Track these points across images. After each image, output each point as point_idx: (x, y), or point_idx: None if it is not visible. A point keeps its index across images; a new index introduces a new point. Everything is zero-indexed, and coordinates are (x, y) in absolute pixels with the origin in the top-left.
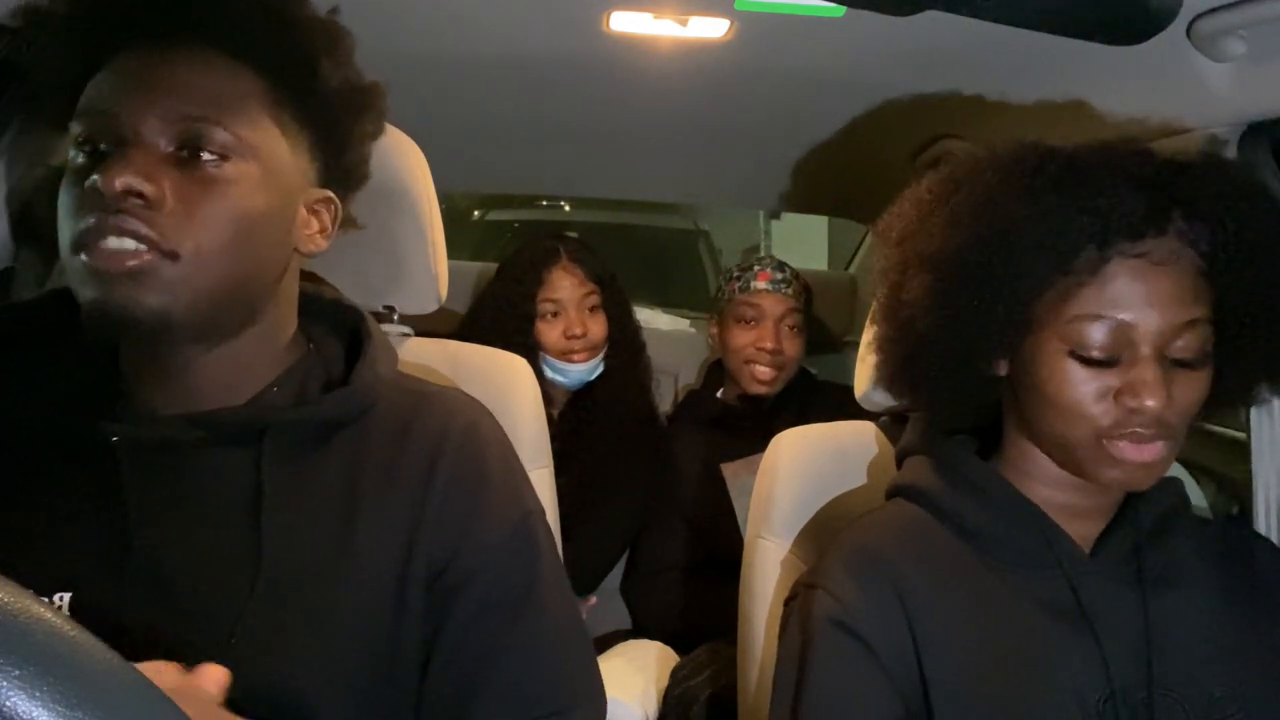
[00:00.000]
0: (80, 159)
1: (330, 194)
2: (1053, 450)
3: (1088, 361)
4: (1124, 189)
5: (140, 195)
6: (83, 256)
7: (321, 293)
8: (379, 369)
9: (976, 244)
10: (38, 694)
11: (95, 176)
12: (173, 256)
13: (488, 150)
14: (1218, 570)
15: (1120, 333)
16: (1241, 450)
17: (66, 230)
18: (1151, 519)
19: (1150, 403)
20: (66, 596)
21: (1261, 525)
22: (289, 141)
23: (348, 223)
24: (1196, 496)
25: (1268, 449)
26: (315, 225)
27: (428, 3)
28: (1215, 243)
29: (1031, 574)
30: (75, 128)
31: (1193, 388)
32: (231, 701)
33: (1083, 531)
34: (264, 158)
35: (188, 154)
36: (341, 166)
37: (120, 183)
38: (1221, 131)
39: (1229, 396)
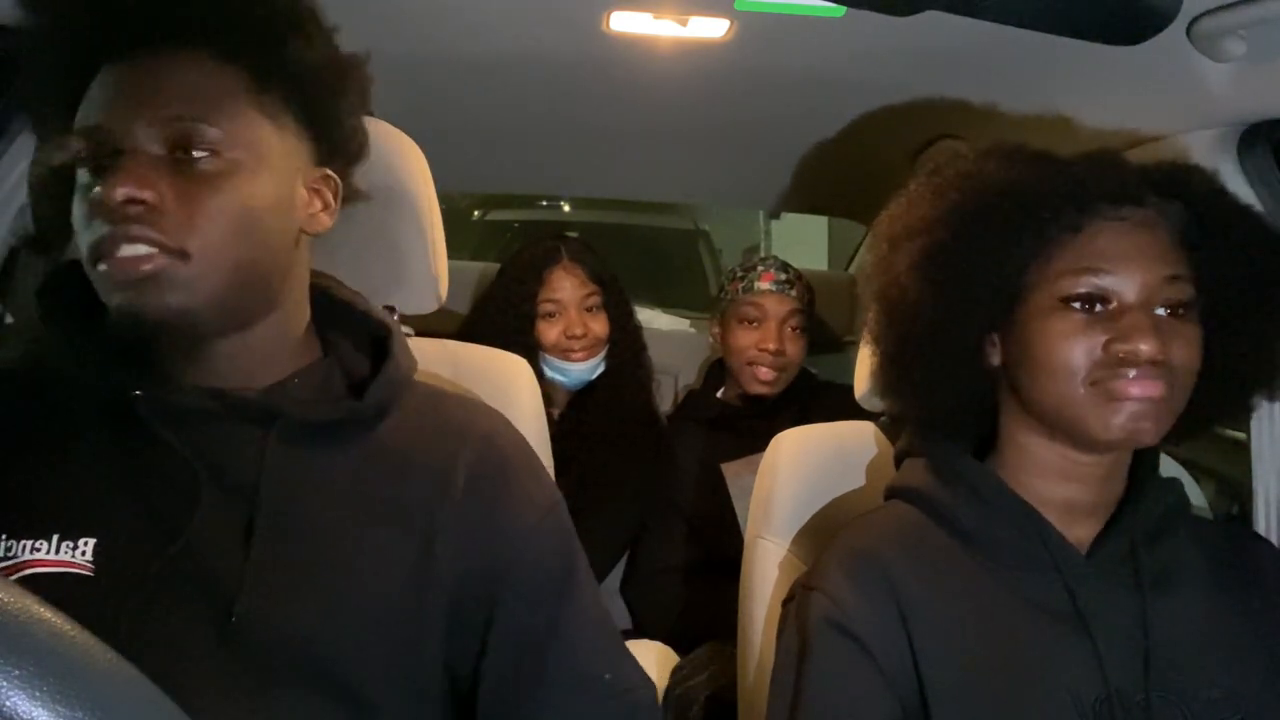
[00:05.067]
0: (86, 176)
1: (328, 171)
2: (1056, 421)
3: (1077, 313)
4: (1098, 164)
5: (141, 202)
6: (102, 266)
7: (354, 303)
8: (403, 374)
9: (958, 212)
10: (38, 694)
11: (97, 190)
12: (183, 256)
13: (488, 150)
14: (1217, 571)
15: (1106, 285)
16: (1241, 450)
17: (84, 244)
18: (1149, 519)
19: (1144, 346)
20: (91, 542)
21: (1261, 525)
22: (275, 126)
23: (354, 196)
24: (1196, 496)
25: (1268, 449)
26: (318, 204)
27: (428, 3)
28: (1189, 223)
29: (1027, 575)
30: (76, 145)
31: (1185, 342)
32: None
33: (1080, 532)
34: (254, 146)
35: (181, 154)
36: (334, 142)
37: (120, 193)
38: (1221, 132)
39: (1227, 401)
